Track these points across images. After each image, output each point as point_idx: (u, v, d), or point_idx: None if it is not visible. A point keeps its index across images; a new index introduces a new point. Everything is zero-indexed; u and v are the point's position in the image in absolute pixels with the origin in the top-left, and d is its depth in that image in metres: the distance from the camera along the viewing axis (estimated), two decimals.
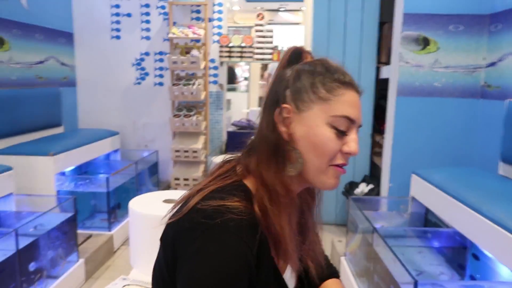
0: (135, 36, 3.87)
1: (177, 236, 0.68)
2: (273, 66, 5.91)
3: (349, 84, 0.71)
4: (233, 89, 6.86)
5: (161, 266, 0.73)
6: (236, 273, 0.63)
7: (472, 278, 1.81)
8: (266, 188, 0.70)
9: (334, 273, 0.93)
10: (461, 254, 1.92)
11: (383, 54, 2.93)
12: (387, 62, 2.73)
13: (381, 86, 2.98)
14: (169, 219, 0.71)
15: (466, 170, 2.20)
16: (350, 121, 0.70)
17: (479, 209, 1.53)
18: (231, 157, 0.80)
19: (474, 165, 2.35)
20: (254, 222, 0.67)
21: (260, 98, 7.02)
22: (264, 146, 0.72)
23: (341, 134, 0.69)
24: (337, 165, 0.71)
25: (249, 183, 0.73)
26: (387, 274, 1.66)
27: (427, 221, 2.20)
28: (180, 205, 0.73)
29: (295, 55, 0.76)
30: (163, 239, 0.73)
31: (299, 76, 0.72)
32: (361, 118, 0.73)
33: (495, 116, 2.15)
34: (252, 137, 0.78)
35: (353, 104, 0.70)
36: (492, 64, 2.20)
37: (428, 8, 2.25)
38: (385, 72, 2.78)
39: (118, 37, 3.88)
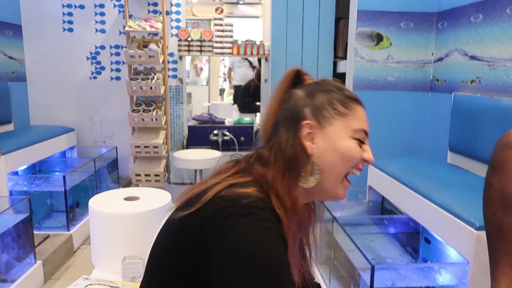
0: (89, 29, 3.73)
1: (200, 225, 0.66)
2: (232, 60, 5.90)
3: (358, 100, 0.80)
4: (194, 83, 6.79)
5: (167, 259, 0.71)
6: (276, 240, 0.63)
7: (425, 260, 1.94)
8: (279, 201, 0.71)
9: None
10: (414, 239, 2.05)
11: (339, 49, 3.02)
12: (344, 57, 2.82)
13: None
14: (183, 211, 0.69)
15: (418, 159, 2.33)
16: (365, 133, 0.79)
17: (429, 196, 1.63)
18: (238, 157, 0.81)
19: (425, 154, 2.49)
20: (276, 214, 0.69)
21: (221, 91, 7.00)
22: (281, 160, 0.75)
23: (361, 144, 0.78)
24: (352, 173, 0.79)
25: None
26: (346, 261, 1.74)
27: (383, 208, 2.31)
28: (190, 198, 0.72)
29: (296, 76, 0.83)
30: (176, 231, 0.70)
31: (313, 94, 0.78)
32: None
33: (443, 108, 2.29)
34: (261, 148, 0.79)
35: (364, 118, 0.80)
36: (440, 59, 2.34)
37: (381, 5, 2.35)
38: (342, 67, 2.88)
39: (70, 30, 3.72)
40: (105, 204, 1.59)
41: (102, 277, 1.43)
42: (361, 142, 0.77)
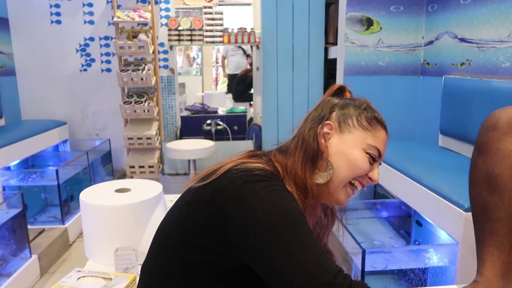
0: (78, 21, 3.68)
1: (217, 193, 0.70)
2: (226, 48, 5.85)
3: (384, 125, 0.86)
4: (187, 73, 6.73)
5: (181, 230, 0.74)
6: (291, 199, 0.70)
7: (416, 243, 1.96)
8: (297, 188, 0.78)
9: None
10: (406, 222, 2.06)
11: (330, 35, 3.00)
12: (335, 43, 2.80)
13: (330, 66, 3.06)
14: (198, 183, 0.75)
15: (409, 143, 2.34)
16: (379, 154, 0.83)
17: (420, 180, 1.64)
18: (254, 150, 0.88)
19: (416, 138, 2.50)
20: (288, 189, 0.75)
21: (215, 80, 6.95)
22: (302, 151, 0.81)
23: (372, 161, 0.82)
24: (353, 185, 0.84)
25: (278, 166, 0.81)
26: (339, 245, 1.75)
27: (376, 193, 2.32)
28: (205, 175, 0.77)
29: (340, 89, 0.93)
30: (192, 201, 0.75)
31: (346, 105, 0.85)
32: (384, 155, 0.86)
33: (434, 92, 2.29)
34: (287, 141, 0.87)
35: (384, 141, 0.85)
36: (430, 42, 2.33)
37: None
38: (333, 52, 2.86)
39: (58, 22, 3.67)
40: (96, 196, 1.59)
41: (96, 269, 1.43)
42: (372, 159, 0.82)
